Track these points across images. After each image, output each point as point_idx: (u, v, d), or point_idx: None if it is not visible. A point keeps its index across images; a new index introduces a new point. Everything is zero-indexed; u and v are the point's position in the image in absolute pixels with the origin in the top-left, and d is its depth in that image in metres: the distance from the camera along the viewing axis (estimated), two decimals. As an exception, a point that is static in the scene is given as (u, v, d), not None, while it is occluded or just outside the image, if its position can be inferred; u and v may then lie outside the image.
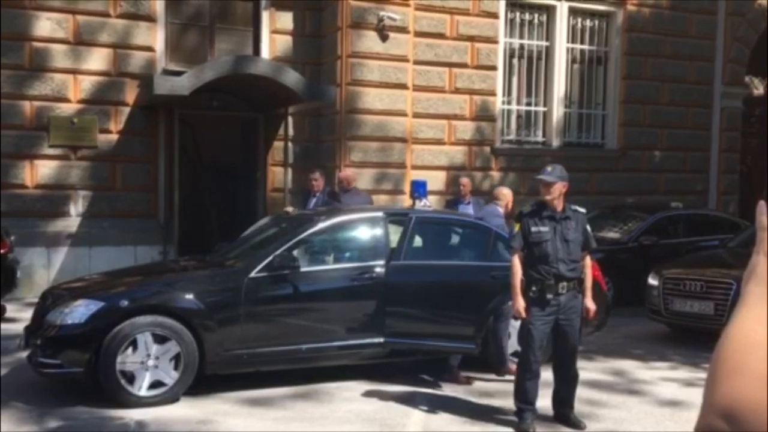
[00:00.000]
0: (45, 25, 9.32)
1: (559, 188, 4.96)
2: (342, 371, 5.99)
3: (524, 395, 5.00)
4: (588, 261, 5.15)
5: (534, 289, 4.91)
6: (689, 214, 10.75)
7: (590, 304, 5.11)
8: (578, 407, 5.21)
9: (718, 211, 11.92)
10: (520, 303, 4.92)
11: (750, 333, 0.70)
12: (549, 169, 5.08)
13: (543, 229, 4.93)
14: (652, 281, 7.94)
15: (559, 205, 4.99)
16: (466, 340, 6.03)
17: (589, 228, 5.15)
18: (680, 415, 5.33)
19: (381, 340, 5.97)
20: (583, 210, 5.14)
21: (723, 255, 8.42)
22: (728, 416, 0.66)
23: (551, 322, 4.94)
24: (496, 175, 11.24)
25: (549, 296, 4.88)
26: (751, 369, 0.67)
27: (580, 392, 5.63)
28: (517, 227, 5.03)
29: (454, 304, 6.22)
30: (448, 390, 5.89)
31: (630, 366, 6.76)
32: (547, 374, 5.19)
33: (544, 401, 5.15)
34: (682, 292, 7.60)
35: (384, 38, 10.14)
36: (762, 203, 0.80)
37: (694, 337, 7.25)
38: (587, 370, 6.54)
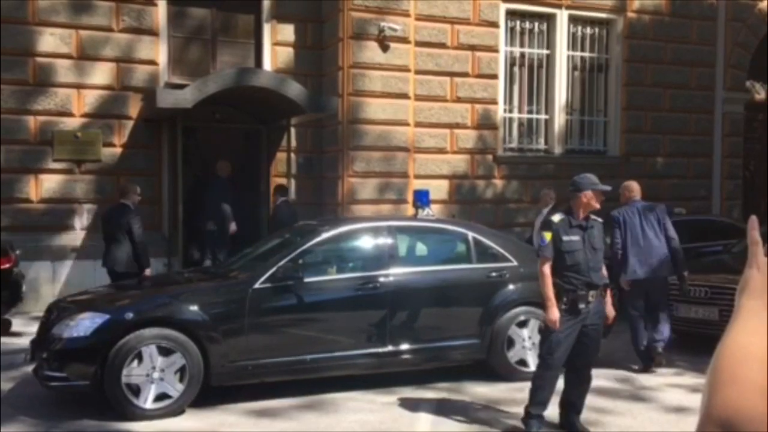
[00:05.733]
0: (49, 40, 9.39)
1: None
2: (347, 381, 6.00)
3: (539, 401, 5.00)
4: (604, 269, 5.27)
5: (565, 299, 4.90)
6: (693, 220, 10.71)
7: (611, 311, 5.22)
8: (584, 414, 5.20)
9: (721, 217, 11.90)
10: (556, 313, 4.85)
11: (745, 345, 0.72)
12: (594, 178, 5.11)
13: (574, 238, 4.96)
14: (657, 287, 7.91)
15: (583, 214, 5.04)
16: (470, 336, 6.23)
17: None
18: (686, 421, 5.31)
19: (385, 349, 5.99)
20: (600, 219, 5.22)
21: (727, 260, 8.40)
22: (725, 426, 0.67)
23: (578, 330, 4.96)
24: (498, 183, 11.25)
25: (581, 306, 4.90)
26: (747, 379, 0.69)
27: (587, 399, 5.62)
28: (548, 236, 4.95)
29: (456, 307, 6.29)
30: (454, 398, 5.89)
31: (635, 373, 6.74)
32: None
33: (550, 408, 5.14)
34: (686, 298, 7.58)
35: (385, 49, 10.19)
36: (753, 218, 0.82)
37: (700, 343, 7.21)
38: (593, 377, 6.53)
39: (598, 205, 5.04)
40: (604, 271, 5.22)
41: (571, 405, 5.10)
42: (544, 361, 5.03)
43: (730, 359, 0.72)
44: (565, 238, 4.94)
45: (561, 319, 4.87)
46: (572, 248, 4.93)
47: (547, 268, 4.92)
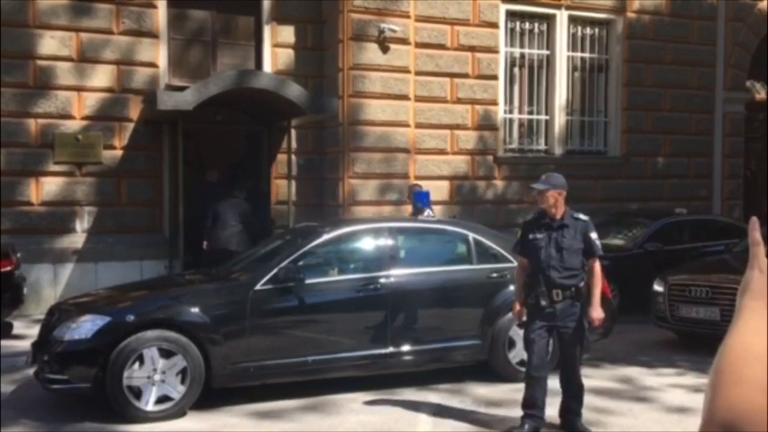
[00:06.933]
0: (49, 43, 9.39)
1: (553, 196, 4.96)
2: (349, 382, 6.00)
3: (526, 401, 5.04)
4: (597, 269, 5.05)
5: (532, 295, 5.00)
6: (694, 220, 10.72)
7: (595, 313, 4.98)
8: (586, 415, 5.20)
9: (722, 217, 11.90)
10: (516, 306, 5.15)
11: (747, 345, 0.72)
12: (543, 177, 5.15)
13: (539, 236, 4.99)
14: (658, 287, 7.92)
15: (558, 212, 5.00)
16: (471, 337, 6.25)
17: (594, 235, 5.04)
18: (688, 421, 5.31)
19: (387, 350, 5.99)
20: (585, 218, 5.09)
21: (728, 260, 8.40)
22: (728, 427, 0.67)
23: (550, 329, 4.97)
24: (499, 184, 11.25)
25: (543, 303, 4.93)
26: (750, 380, 0.69)
27: (588, 400, 5.62)
28: (519, 234, 5.22)
29: (457, 308, 6.29)
30: (455, 400, 5.89)
31: (637, 373, 6.75)
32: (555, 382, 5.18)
33: (553, 409, 5.14)
34: (687, 298, 7.58)
35: (385, 50, 10.19)
36: (754, 219, 0.82)
37: (701, 343, 7.22)
38: (594, 377, 6.53)
39: (542, 204, 5.03)
40: (597, 273, 5.03)
41: (567, 408, 5.09)
42: (527, 361, 5.18)
43: (732, 360, 0.72)
44: (530, 236, 5.05)
45: (525, 315, 5.07)
46: (534, 246, 5.00)
47: (519, 265, 5.24)
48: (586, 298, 5.02)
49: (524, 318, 5.13)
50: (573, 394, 5.08)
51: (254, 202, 9.87)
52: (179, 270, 9.27)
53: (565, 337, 4.98)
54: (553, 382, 5.14)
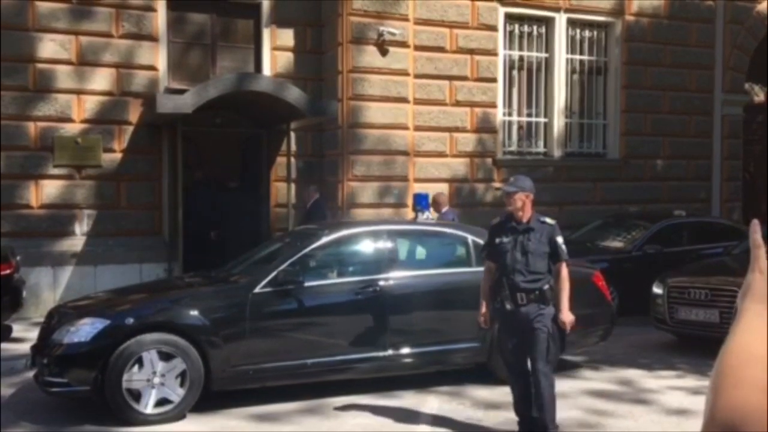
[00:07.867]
0: (49, 46, 9.40)
1: (521, 198, 4.93)
2: (348, 385, 6.00)
3: (515, 407, 5.02)
4: (564, 273, 4.95)
5: (497, 299, 4.99)
6: (693, 222, 10.73)
7: (566, 317, 4.89)
8: (585, 417, 5.21)
9: (722, 219, 11.91)
10: (482, 310, 5.15)
11: (749, 347, 0.73)
12: (512, 179, 5.19)
13: (505, 239, 4.97)
14: (657, 290, 7.92)
15: (524, 216, 4.97)
16: (471, 340, 6.21)
17: (560, 239, 4.97)
18: (687, 423, 5.32)
19: (386, 353, 5.99)
20: (551, 222, 5.05)
21: (728, 262, 8.41)
22: (729, 428, 0.68)
23: (519, 333, 4.90)
24: (498, 186, 11.25)
25: (508, 307, 4.89)
26: (751, 381, 0.69)
27: (588, 402, 5.64)
28: (487, 238, 5.24)
29: (457, 310, 6.28)
30: (455, 402, 5.89)
31: (636, 375, 6.75)
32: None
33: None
34: (687, 300, 7.59)
35: (384, 53, 10.20)
36: (755, 221, 0.83)
37: (700, 345, 7.23)
38: (594, 379, 6.55)
39: (509, 207, 4.99)
40: (564, 277, 4.92)
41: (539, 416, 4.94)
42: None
43: (733, 362, 0.72)
44: (497, 240, 5.04)
45: (492, 319, 5.11)
46: (501, 250, 4.97)
47: (485, 267, 5.22)
48: (556, 302, 4.93)
49: (490, 322, 5.18)
50: (538, 404, 4.85)
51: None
52: (179, 273, 9.27)
53: (529, 343, 4.88)
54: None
